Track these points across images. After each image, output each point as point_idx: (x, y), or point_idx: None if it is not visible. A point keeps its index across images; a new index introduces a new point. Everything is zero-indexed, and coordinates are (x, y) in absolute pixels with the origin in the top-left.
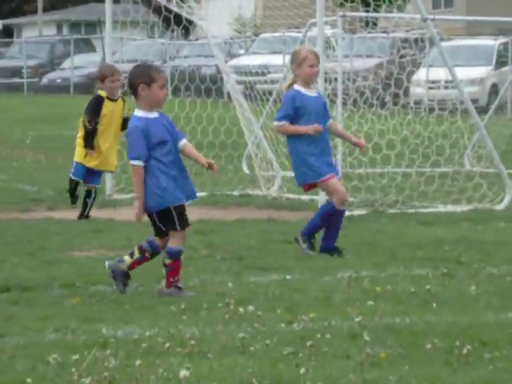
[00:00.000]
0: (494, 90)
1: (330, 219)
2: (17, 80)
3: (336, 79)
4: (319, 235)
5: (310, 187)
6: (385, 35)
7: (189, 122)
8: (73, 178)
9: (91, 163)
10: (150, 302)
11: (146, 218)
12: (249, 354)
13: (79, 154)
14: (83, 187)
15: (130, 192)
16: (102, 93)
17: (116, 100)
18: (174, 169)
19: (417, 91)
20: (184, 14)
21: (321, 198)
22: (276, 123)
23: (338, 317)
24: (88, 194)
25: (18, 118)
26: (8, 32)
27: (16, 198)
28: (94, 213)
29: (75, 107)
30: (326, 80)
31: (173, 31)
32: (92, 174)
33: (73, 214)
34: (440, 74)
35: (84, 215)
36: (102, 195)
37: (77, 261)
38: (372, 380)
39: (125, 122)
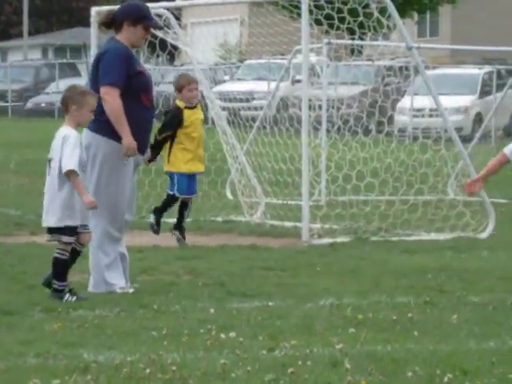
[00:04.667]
0: (479, 118)
1: None
2: (1, 104)
3: (320, 106)
4: None
5: None
6: (370, 63)
7: None
8: (177, 195)
9: (187, 167)
10: (131, 327)
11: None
12: (230, 381)
13: (175, 163)
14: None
15: None
16: (180, 103)
17: (194, 107)
18: None
19: (401, 119)
20: (169, 40)
21: (303, 224)
22: None
23: (320, 344)
24: (184, 204)
25: (2, 142)
26: None
27: None
28: None
29: None
30: (310, 107)
31: (158, 57)
32: (189, 184)
33: None
34: (424, 102)
35: (181, 226)
36: None
37: None
38: None
39: None
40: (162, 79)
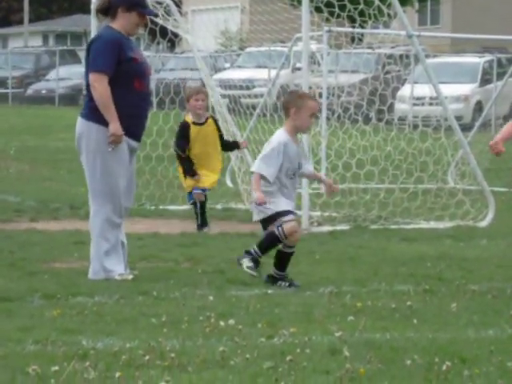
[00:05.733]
0: (479, 107)
1: None
2: (2, 90)
3: (320, 94)
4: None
5: None
6: (370, 51)
7: (173, 134)
8: (192, 203)
9: (204, 184)
10: (130, 314)
11: None
12: (229, 368)
13: (187, 185)
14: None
15: None
16: (188, 118)
17: (203, 123)
18: None
19: (401, 107)
20: (169, 27)
21: (303, 212)
22: None
23: (319, 332)
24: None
25: (3, 129)
26: None
27: None
28: (77, 225)
29: (60, 118)
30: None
31: (158, 44)
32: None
33: (55, 225)
34: (425, 90)
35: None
36: (86, 207)
37: (58, 272)
38: None
39: (222, 140)
40: (162, 66)
